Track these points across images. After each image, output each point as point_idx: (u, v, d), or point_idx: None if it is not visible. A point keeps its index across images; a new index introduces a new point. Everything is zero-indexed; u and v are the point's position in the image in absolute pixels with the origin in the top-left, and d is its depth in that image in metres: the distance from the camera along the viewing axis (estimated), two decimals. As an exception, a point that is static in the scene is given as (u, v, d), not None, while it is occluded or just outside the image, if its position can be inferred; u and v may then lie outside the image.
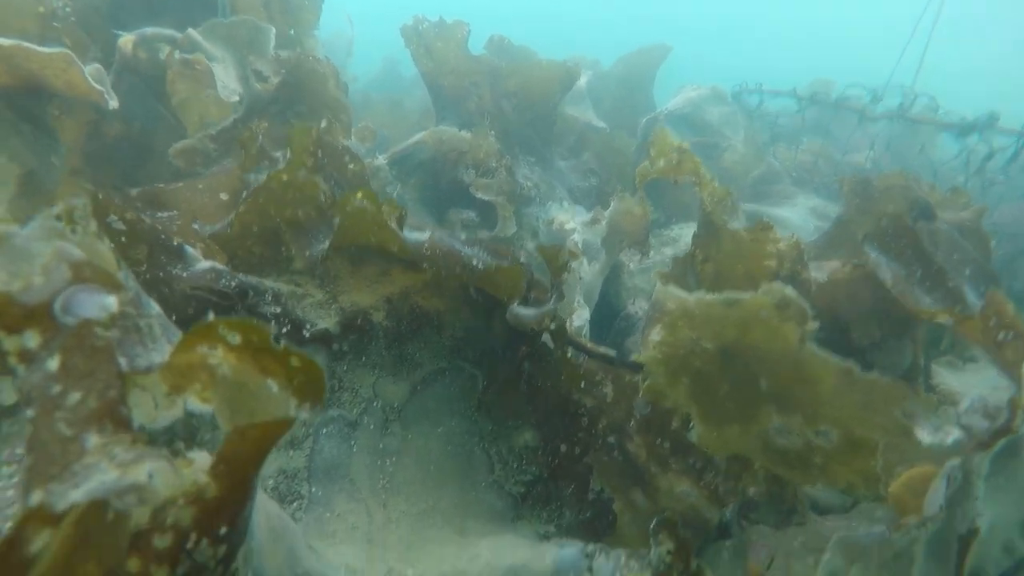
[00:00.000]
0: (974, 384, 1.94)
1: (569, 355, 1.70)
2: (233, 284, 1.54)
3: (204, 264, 1.55)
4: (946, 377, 1.92)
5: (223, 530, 0.80)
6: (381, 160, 3.01)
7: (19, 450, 1.21)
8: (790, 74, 4.83)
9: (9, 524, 0.62)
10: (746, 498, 1.55)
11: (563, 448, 1.65)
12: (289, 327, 1.57)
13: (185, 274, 1.50)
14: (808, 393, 1.38)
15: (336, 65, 2.82)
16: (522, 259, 1.72)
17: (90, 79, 2.09)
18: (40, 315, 0.80)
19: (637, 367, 1.62)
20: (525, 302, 1.65)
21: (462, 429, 1.65)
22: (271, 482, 1.47)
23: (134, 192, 1.85)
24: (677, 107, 4.41)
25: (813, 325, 1.32)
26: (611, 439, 1.67)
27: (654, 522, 1.23)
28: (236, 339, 0.81)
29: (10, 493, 1.12)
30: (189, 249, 1.55)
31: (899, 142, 5.03)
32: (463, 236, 1.92)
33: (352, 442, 1.56)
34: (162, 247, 1.49)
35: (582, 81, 3.89)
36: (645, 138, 3.92)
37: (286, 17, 3.14)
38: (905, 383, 1.32)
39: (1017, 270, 3.30)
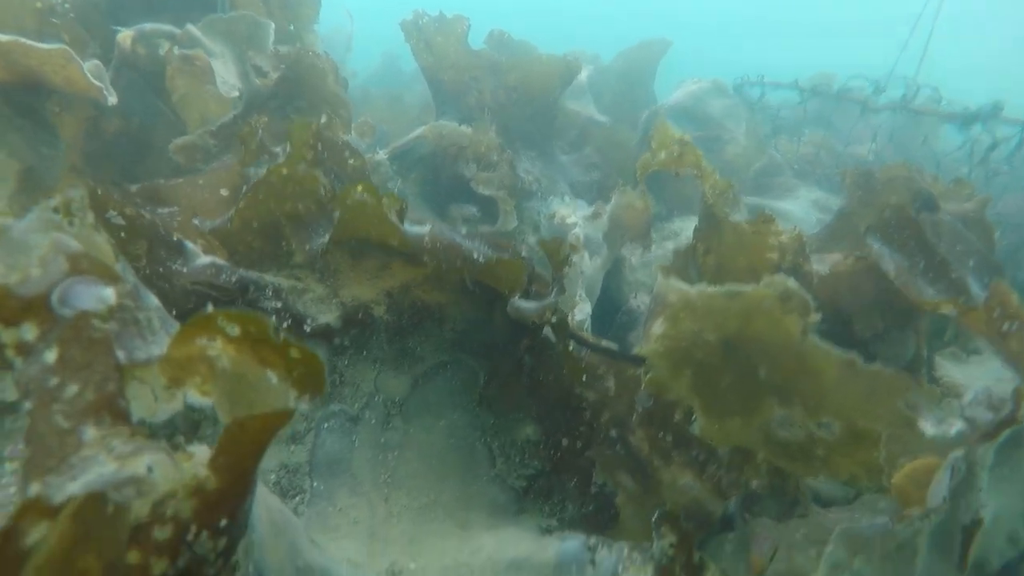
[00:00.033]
0: (978, 376, 1.92)
1: (571, 349, 1.69)
2: (233, 279, 1.54)
3: (204, 259, 1.55)
4: (949, 369, 1.91)
5: (223, 522, 0.80)
6: (381, 155, 3.00)
7: (21, 446, 1.21)
8: (791, 70, 4.79)
9: (6, 515, 0.62)
10: (749, 490, 1.54)
11: (565, 442, 1.65)
12: (290, 322, 1.57)
13: (185, 269, 1.50)
14: (810, 385, 1.38)
15: (335, 60, 2.82)
16: (523, 253, 1.71)
17: (89, 75, 2.08)
18: (37, 307, 0.80)
19: (639, 360, 1.61)
20: (526, 296, 1.64)
21: (464, 423, 1.65)
22: (273, 476, 1.47)
23: (134, 188, 1.85)
24: (678, 101, 4.39)
25: (815, 317, 1.31)
26: (613, 432, 1.67)
27: (656, 515, 1.23)
28: (235, 330, 0.80)
29: (13, 490, 1.12)
30: (189, 244, 1.55)
31: (902, 133, 5.00)
32: (464, 231, 1.91)
33: (354, 436, 1.56)
34: (162, 242, 1.49)
35: (583, 76, 3.88)
36: (646, 132, 3.91)
37: (285, 12, 3.13)
38: (908, 374, 1.32)
39: (1022, 260, 3.28)
